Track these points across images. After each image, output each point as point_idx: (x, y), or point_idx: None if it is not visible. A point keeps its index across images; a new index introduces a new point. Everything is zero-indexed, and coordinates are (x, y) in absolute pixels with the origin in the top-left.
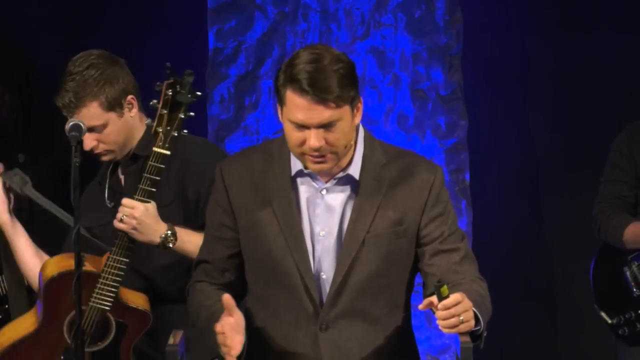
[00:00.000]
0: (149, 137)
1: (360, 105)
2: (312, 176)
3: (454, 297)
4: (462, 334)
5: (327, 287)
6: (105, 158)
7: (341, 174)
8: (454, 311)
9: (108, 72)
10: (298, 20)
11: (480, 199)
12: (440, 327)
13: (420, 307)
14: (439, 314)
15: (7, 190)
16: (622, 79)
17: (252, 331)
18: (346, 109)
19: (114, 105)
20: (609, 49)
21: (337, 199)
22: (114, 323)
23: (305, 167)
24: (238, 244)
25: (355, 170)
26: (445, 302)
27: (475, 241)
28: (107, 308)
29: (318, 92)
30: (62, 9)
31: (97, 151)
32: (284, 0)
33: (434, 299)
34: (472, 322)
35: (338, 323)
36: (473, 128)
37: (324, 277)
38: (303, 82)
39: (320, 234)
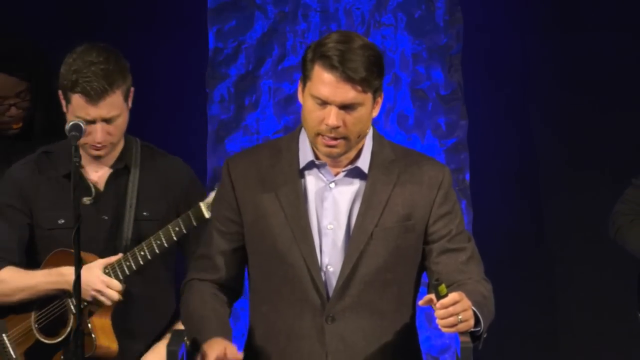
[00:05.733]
0: (129, 149)
1: (380, 100)
2: (321, 169)
3: (452, 296)
4: (462, 333)
5: (333, 280)
6: (101, 152)
7: (349, 167)
8: (452, 310)
9: (122, 64)
10: (298, 20)
11: (480, 199)
12: (439, 326)
13: (420, 302)
14: (437, 312)
15: None
16: (622, 79)
17: (257, 324)
18: (369, 96)
19: (127, 96)
20: (609, 48)
21: (346, 192)
22: (68, 329)
23: (317, 154)
24: (242, 239)
25: (364, 164)
26: (443, 301)
27: (475, 241)
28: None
29: (347, 70)
30: (62, 8)
31: (101, 145)
32: (284, 0)
33: (434, 296)
34: (472, 322)
35: (344, 316)
36: (473, 128)
37: (331, 269)
38: (334, 58)
39: (328, 227)
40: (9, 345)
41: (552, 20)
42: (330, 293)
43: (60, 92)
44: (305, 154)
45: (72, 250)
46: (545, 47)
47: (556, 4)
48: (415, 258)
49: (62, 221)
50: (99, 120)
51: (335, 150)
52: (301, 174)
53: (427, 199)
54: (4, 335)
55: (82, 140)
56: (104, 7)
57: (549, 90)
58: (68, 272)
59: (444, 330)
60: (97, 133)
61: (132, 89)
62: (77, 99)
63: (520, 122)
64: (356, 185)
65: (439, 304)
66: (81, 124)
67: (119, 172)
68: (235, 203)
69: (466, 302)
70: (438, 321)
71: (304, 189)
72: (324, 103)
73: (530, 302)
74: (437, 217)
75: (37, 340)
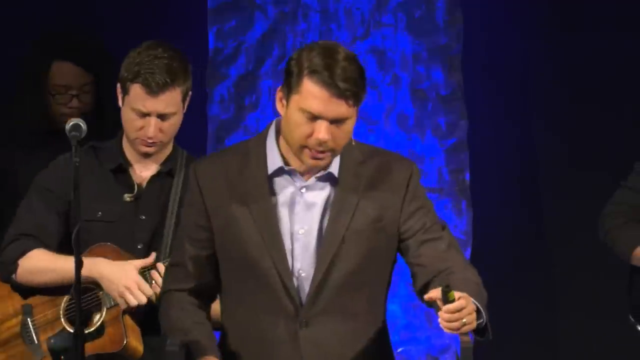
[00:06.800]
0: (175, 156)
1: (358, 109)
2: (292, 174)
3: (460, 303)
4: (462, 334)
5: (306, 286)
6: (150, 149)
7: (321, 172)
8: (458, 316)
9: (186, 64)
10: (298, 20)
11: (480, 199)
12: (442, 327)
13: (426, 297)
14: (443, 316)
15: None
16: (623, 79)
17: (230, 331)
18: (356, 110)
19: (185, 98)
20: (609, 49)
21: (317, 196)
22: (97, 323)
23: (286, 160)
24: (213, 245)
25: (334, 168)
26: (450, 306)
27: (475, 241)
28: (108, 306)
29: (339, 86)
30: (62, 8)
31: (152, 140)
32: (284, 0)
33: (438, 293)
34: (474, 324)
35: (318, 321)
36: (473, 128)
37: (303, 275)
38: (324, 73)
39: (300, 232)
40: (32, 329)
41: (552, 20)
42: (303, 298)
43: (118, 85)
44: (274, 160)
45: (115, 246)
46: (545, 47)
47: (556, 4)
48: (386, 258)
49: (100, 214)
50: (154, 114)
51: (322, 162)
52: (270, 179)
53: (396, 198)
54: (28, 319)
55: (134, 135)
56: (103, 6)
57: (549, 90)
58: (102, 262)
59: (447, 331)
60: (150, 128)
61: (191, 93)
62: (136, 89)
63: (520, 122)
64: (327, 189)
65: (445, 308)
66: (81, 124)
67: (162, 175)
68: (204, 209)
69: (471, 307)
70: (442, 323)
71: (274, 194)
72: (314, 117)
73: (530, 302)
74: (408, 214)
75: (64, 329)
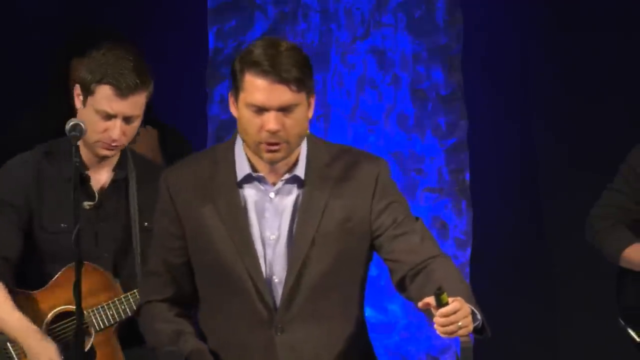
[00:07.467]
0: (124, 157)
1: (313, 101)
2: (260, 180)
3: (453, 305)
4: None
5: (279, 291)
6: (110, 152)
7: (287, 175)
8: (453, 319)
9: (149, 68)
10: (298, 20)
11: (480, 199)
12: (438, 332)
13: (420, 304)
14: (438, 320)
15: None
16: (622, 79)
17: (207, 337)
18: (303, 96)
19: (146, 102)
20: (609, 48)
21: (286, 201)
22: (87, 347)
23: (253, 166)
24: (187, 253)
25: (301, 171)
26: (443, 310)
27: (475, 241)
28: (98, 328)
29: (280, 72)
30: (62, 8)
31: (115, 144)
32: (284, 0)
33: (432, 300)
34: (471, 326)
35: (293, 325)
36: (473, 128)
37: (276, 280)
38: (264, 63)
39: (271, 238)
40: (14, 355)
41: (552, 20)
42: (277, 304)
43: (77, 87)
44: (242, 167)
45: (95, 265)
46: (545, 47)
47: (555, 4)
48: (358, 258)
49: (65, 225)
50: (120, 116)
51: (278, 155)
52: (239, 185)
53: (365, 197)
54: (8, 344)
55: (95, 137)
56: (103, 7)
57: (549, 90)
58: (31, 335)
59: (443, 336)
60: (115, 130)
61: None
62: (104, 90)
63: (520, 122)
64: (295, 193)
65: (439, 312)
66: (81, 124)
67: (119, 181)
68: (176, 217)
69: (466, 310)
70: (437, 328)
71: (244, 200)
72: (260, 110)
73: (530, 302)
74: (378, 212)
75: None
